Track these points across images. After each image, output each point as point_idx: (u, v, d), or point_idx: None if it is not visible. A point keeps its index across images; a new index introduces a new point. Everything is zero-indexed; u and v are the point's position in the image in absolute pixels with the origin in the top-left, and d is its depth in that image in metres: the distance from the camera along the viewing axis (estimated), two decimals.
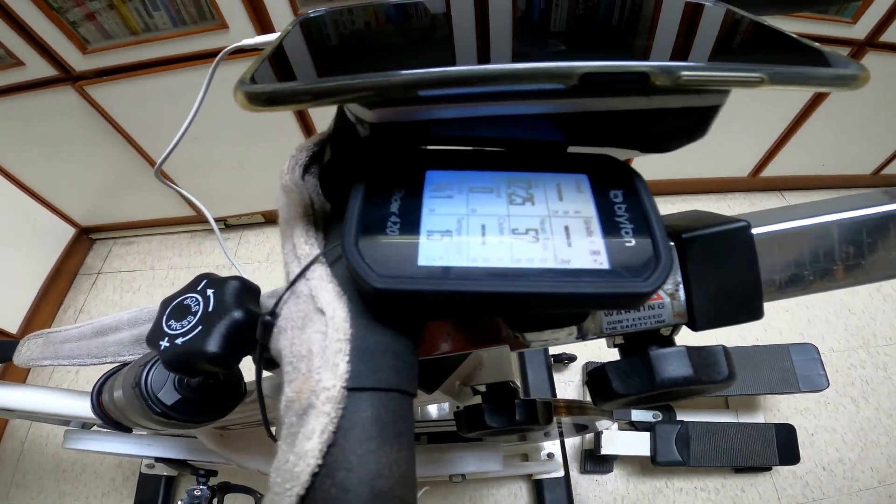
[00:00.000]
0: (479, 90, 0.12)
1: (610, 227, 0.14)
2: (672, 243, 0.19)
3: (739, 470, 0.98)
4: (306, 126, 1.13)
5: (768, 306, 0.19)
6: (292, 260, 0.16)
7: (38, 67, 0.98)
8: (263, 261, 1.40)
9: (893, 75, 1.10)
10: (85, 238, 1.47)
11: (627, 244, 0.14)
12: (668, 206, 1.46)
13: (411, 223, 0.14)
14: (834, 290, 0.20)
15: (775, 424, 0.93)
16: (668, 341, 0.21)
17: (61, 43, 0.93)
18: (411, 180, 0.15)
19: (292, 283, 0.15)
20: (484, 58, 0.15)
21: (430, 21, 0.18)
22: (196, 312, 0.23)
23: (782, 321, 1.19)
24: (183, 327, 0.23)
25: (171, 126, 1.11)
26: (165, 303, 0.25)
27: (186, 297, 0.24)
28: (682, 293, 0.19)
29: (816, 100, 1.16)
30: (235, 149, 1.17)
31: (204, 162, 1.20)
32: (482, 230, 0.14)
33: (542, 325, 0.19)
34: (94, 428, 0.82)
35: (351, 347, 0.13)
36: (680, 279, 0.19)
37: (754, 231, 0.19)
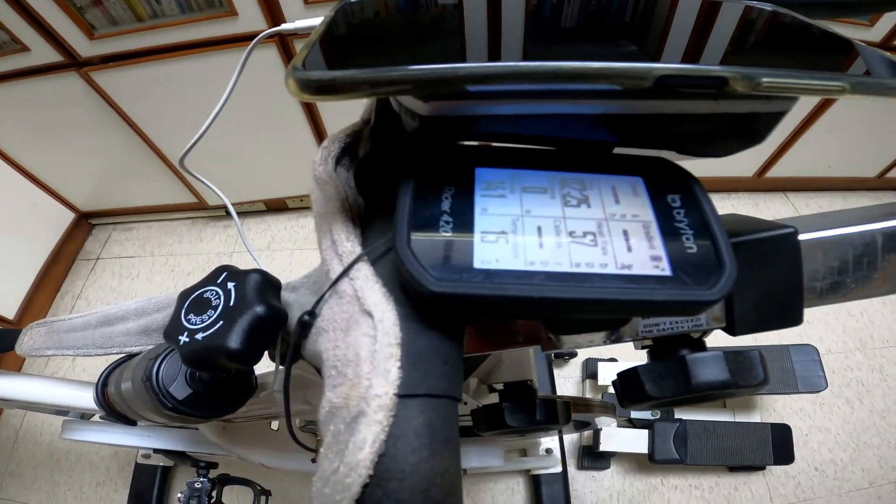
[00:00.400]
0: (553, 87, 0.11)
1: (670, 232, 0.14)
2: None
3: (734, 469, 0.99)
4: (312, 116, 1.12)
5: None
6: (332, 257, 0.15)
7: (44, 53, 0.96)
8: (265, 249, 1.38)
9: None
10: (84, 223, 1.45)
11: (689, 250, 0.13)
12: None
13: (464, 223, 0.13)
14: (873, 297, 0.20)
15: (771, 424, 0.94)
16: (700, 345, 0.21)
17: (68, 28, 0.91)
18: (461, 177, 0.14)
19: (335, 282, 0.15)
20: (542, 54, 0.14)
21: (480, 9, 0.18)
22: (217, 307, 0.23)
23: None
24: (203, 322, 0.22)
25: (175, 113, 1.09)
26: (184, 295, 0.24)
27: (206, 290, 0.24)
28: None
29: (827, 100, 1.16)
30: (237, 137, 1.15)
31: (206, 149, 1.18)
32: (538, 232, 0.13)
33: (581, 329, 0.18)
34: (94, 418, 0.82)
35: (402, 353, 0.13)
36: None
37: (801, 237, 0.18)
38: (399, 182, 0.14)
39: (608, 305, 0.12)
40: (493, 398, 0.32)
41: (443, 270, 0.13)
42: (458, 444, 0.14)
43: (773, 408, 1.06)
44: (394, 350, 0.13)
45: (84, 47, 0.95)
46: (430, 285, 0.12)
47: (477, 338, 0.20)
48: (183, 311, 0.23)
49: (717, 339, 1.11)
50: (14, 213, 1.23)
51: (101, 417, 0.72)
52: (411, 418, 0.12)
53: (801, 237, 0.19)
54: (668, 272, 0.13)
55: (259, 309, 0.22)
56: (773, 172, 1.40)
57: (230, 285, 0.23)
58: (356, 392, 0.13)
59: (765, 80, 0.12)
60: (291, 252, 1.38)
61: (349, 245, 0.15)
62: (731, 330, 0.19)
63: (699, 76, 0.12)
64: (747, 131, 0.15)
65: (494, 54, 0.13)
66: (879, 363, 1.15)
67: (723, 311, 0.19)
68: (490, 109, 0.14)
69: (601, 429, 0.91)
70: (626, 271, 0.13)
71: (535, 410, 0.30)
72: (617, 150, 0.17)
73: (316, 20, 0.28)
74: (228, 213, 1.43)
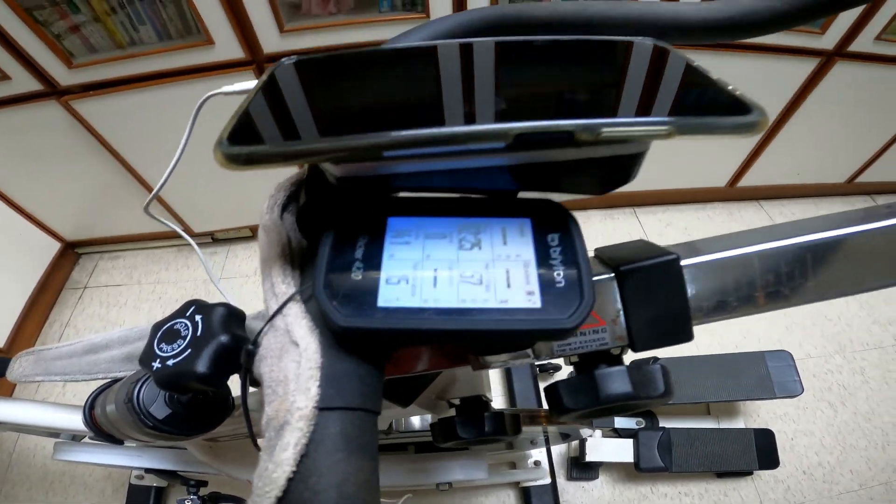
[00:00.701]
0: (427, 151, 0.14)
1: (544, 268, 0.16)
2: (612, 274, 0.21)
3: (721, 475, 1.01)
4: None
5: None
6: (271, 297, 0.18)
7: (24, 81, 0.98)
8: (251, 275, 1.41)
9: (861, 84, 1.13)
10: (70, 252, 1.47)
11: (558, 284, 0.16)
12: (648, 217, 1.50)
13: (373, 268, 0.16)
14: (756, 314, 0.22)
15: (754, 430, 0.96)
16: (617, 360, 0.24)
17: (46, 57, 0.93)
18: (374, 227, 0.17)
19: (271, 318, 0.18)
20: (438, 115, 0.17)
21: (394, 75, 0.21)
22: (185, 336, 0.25)
23: (760, 328, 1.22)
24: (173, 350, 0.25)
25: (156, 141, 1.12)
26: (157, 327, 0.27)
27: (176, 322, 0.26)
28: (622, 319, 0.21)
29: (790, 109, 1.20)
30: (205, 159, 1.17)
31: (190, 176, 1.21)
32: (434, 274, 0.16)
33: (497, 350, 0.21)
34: (85, 440, 0.83)
35: (321, 374, 0.16)
36: (620, 307, 0.21)
37: (683, 263, 0.21)
38: (321, 232, 0.17)
39: (486, 335, 0.15)
40: (453, 413, 0.35)
41: (351, 309, 0.15)
42: (376, 448, 0.16)
43: (758, 413, 1.08)
44: (314, 372, 0.16)
45: (63, 76, 0.97)
46: (339, 321, 0.15)
47: (411, 360, 0.23)
48: (156, 340, 0.26)
49: (699, 348, 1.13)
50: (0, 244, 1.25)
51: (90, 438, 0.74)
52: (329, 427, 0.15)
53: (685, 262, 0.21)
54: (538, 304, 0.15)
55: (223, 338, 0.24)
56: (745, 181, 1.43)
57: (198, 317, 0.26)
58: (283, 406, 0.15)
59: (604, 130, 0.14)
60: None
61: (284, 287, 0.18)
62: (633, 347, 0.22)
63: (549, 131, 0.14)
64: (615, 171, 0.18)
65: (392, 119, 0.16)
66: (860, 366, 1.17)
67: (625, 331, 0.22)
68: (391, 169, 0.17)
69: (586, 439, 0.93)
70: (503, 305, 0.15)
71: (483, 423, 0.32)
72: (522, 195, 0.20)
73: (249, 84, 0.31)
74: (215, 240, 1.45)
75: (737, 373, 0.95)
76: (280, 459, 0.14)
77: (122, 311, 1.36)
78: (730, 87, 0.16)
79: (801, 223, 0.23)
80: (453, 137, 0.14)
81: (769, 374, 0.93)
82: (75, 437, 0.83)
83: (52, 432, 0.74)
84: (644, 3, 0.24)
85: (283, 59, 0.22)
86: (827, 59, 1.07)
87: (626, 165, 0.18)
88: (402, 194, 0.19)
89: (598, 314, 0.21)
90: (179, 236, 1.51)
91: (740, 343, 1.20)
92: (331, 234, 0.17)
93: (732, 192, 1.48)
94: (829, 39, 1.03)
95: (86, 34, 0.96)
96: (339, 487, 0.14)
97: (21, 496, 1.07)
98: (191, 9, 0.88)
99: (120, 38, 0.98)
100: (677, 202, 1.53)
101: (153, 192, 0.38)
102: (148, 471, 0.83)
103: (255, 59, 0.98)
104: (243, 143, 0.15)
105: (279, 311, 0.17)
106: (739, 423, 1.03)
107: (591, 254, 0.22)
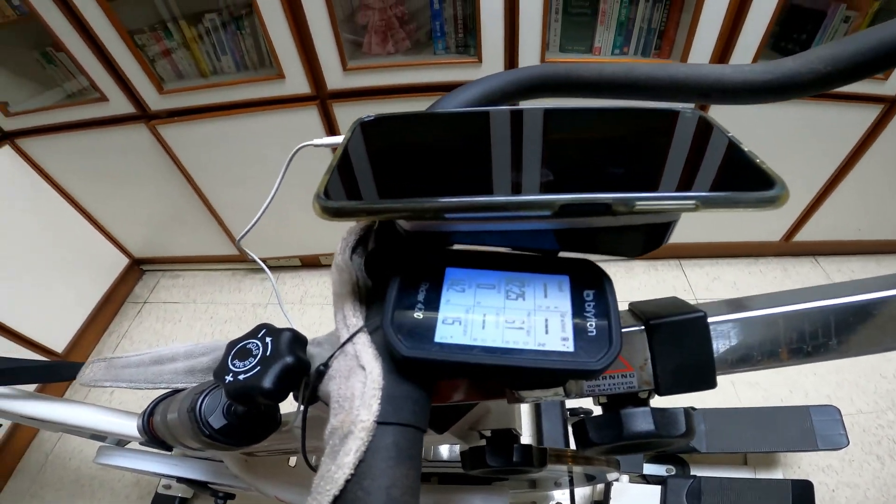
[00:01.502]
0: (483, 216, 0.17)
1: (579, 319, 0.19)
2: (643, 326, 0.23)
3: None
4: None
5: (795, 369, 0.23)
6: (342, 327, 0.22)
7: (120, 104, 1.09)
8: (297, 302, 1.47)
9: None
10: (136, 268, 1.58)
11: (590, 333, 0.18)
12: (694, 270, 1.47)
13: (432, 310, 0.19)
14: (780, 368, 0.24)
15: (792, 480, 0.91)
16: (643, 403, 0.25)
17: (142, 81, 1.04)
18: (434, 275, 0.20)
19: (342, 345, 0.21)
20: (495, 181, 0.20)
21: (456, 138, 0.24)
22: (256, 355, 0.29)
23: (809, 383, 1.17)
24: (245, 366, 0.29)
25: (225, 167, 1.21)
26: (231, 345, 0.30)
27: (248, 342, 0.30)
28: (650, 366, 0.23)
29: (851, 160, 1.14)
30: (278, 194, 1.24)
31: (248, 204, 1.29)
32: (483, 318, 0.19)
33: (532, 386, 0.23)
34: (129, 445, 0.88)
35: (382, 394, 0.19)
36: (648, 355, 0.23)
37: (711, 319, 0.23)
38: (390, 275, 0.20)
39: (523, 371, 0.18)
40: (483, 443, 0.37)
41: (412, 342, 0.19)
42: (420, 460, 0.19)
43: (798, 465, 1.03)
44: (377, 392, 0.19)
45: (154, 100, 1.08)
46: (403, 352, 0.18)
47: (453, 390, 0.26)
48: (230, 357, 0.30)
49: (741, 401, 1.08)
50: (75, 255, 1.36)
51: (140, 444, 0.79)
52: (385, 438, 0.18)
53: (712, 319, 0.23)
54: (571, 349, 0.18)
55: (288, 359, 0.28)
56: (800, 236, 1.36)
57: (268, 339, 0.29)
58: (349, 419, 0.18)
59: (638, 203, 0.17)
60: (322, 307, 1.46)
61: (354, 320, 0.22)
62: (658, 391, 0.24)
63: (590, 203, 0.17)
64: (649, 237, 0.20)
65: (460, 184, 0.19)
66: None
67: (651, 376, 0.24)
68: (452, 227, 0.20)
69: (612, 483, 0.91)
70: (540, 347, 0.18)
71: (512, 453, 0.34)
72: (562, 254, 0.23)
73: (335, 139, 0.36)
74: (267, 267, 1.52)
75: (779, 425, 0.91)
76: (342, 462, 0.17)
77: (175, 327, 1.45)
78: (758, 161, 0.19)
79: (828, 288, 0.25)
80: (506, 206, 0.18)
81: (813, 427, 0.89)
82: (120, 443, 0.89)
83: (100, 435, 0.79)
84: (688, 66, 0.25)
85: (362, 118, 0.26)
86: (890, 106, 1.02)
87: (659, 232, 0.20)
88: (458, 247, 0.22)
89: (627, 360, 0.23)
90: (234, 260, 1.58)
91: (787, 397, 1.15)
92: (398, 279, 0.20)
93: (787, 247, 1.41)
94: (892, 85, 0.99)
95: (175, 60, 1.07)
96: (387, 490, 0.17)
97: (48, 497, 1.12)
98: (266, 42, 0.97)
99: (204, 66, 1.08)
100: (727, 255, 1.47)
101: (247, 229, 0.43)
102: (180, 480, 0.86)
103: (319, 94, 1.05)
104: (335, 197, 0.19)
105: (350, 339, 0.21)
106: (777, 474, 0.98)
107: (625, 307, 0.24)
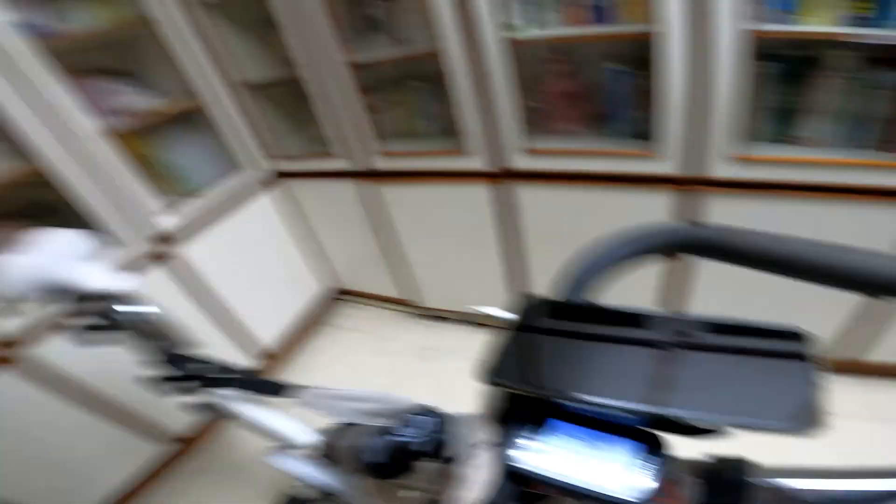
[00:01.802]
0: (593, 410, 0.26)
1: (642, 473, 0.26)
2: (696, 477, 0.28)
3: None
4: (507, 249, 1.32)
5: None
6: (484, 434, 0.32)
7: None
8: (450, 350, 1.60)
9: None
10: (335, 297, 1.90)
11: (647, 483, 0.26)
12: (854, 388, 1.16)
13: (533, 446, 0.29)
14: None
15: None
16: None
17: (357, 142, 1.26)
18: (540, 421, 0.31)
19: (483, 446, 0.32)
20: (611, 383, 0.29)
21: (595, 334, 0.33)
22: (421, 431, 0.40)
23: None
24: (413, 435, 0.40)
25: (426, 228, 1.41)
26: (406, 415, 0.42)
27: (421, 418, 0.42)
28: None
29: None
30: (455, 250, 1.42)
31: (432, 257, 1.47)
32: (570, 461, 0.28)
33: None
34: (293, 451, 1.04)
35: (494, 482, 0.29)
36: (697, 499, 0.28)
37: (753, 480, 0.27)
38: (510, 418, 0.31)
39: (589, 499, 0.26)
40: None
41: (516, 464, 0.29)
42: None
43: None
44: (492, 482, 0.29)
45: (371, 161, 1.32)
46: (512, 465, 0.28)
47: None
48: (407, 422, 0.42)
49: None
50: (292, 277, 1.69)
51: (305, 454, 0.93)
52: None
53: (754, 480, 0.27)
54: (628, 491, 0.26)
55: (438, 437, 0.38)
56: None
57: (433, 419, 0.41)
58: (471, 495, 0.28)
59: (700, 419, 0.25)
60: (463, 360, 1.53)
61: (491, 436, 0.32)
62: None
63: (667, 416, 0.25)
64: (708, 430, 0.27)
65: (579, 380, 0.29)
66: None
67: None
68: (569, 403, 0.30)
69: None
70: (603, 490, 0.26)
71: None
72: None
73: (503, 313, 0.43)
74: (431, 315, 1.71)
75: None
76: None
77: (346, 354, 1.71)
78: (814, 396, 0.24)
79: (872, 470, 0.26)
80: (613, 407, 0.26)
81: None
82: (287, 447, 1.05)
83: (282, 440, 0.96)
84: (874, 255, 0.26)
85: (527, 298, 0.36)
86: None
87: (718, 430, 0.27)
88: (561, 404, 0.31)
89: (677, 499, 0.28)
90: (410, 304, 1.73)
91: None
92: (515, 424, 0.31)
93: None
94: None
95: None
96: None
97: (212, 469, 1.41)
98: (457, 116, 1.09)
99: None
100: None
101: (485, 308, 0.45)
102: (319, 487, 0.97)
103: (493, 172, 1.16)
104: (497, 373, 0.30)
105: (486, 445, 0.31)
106: None
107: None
